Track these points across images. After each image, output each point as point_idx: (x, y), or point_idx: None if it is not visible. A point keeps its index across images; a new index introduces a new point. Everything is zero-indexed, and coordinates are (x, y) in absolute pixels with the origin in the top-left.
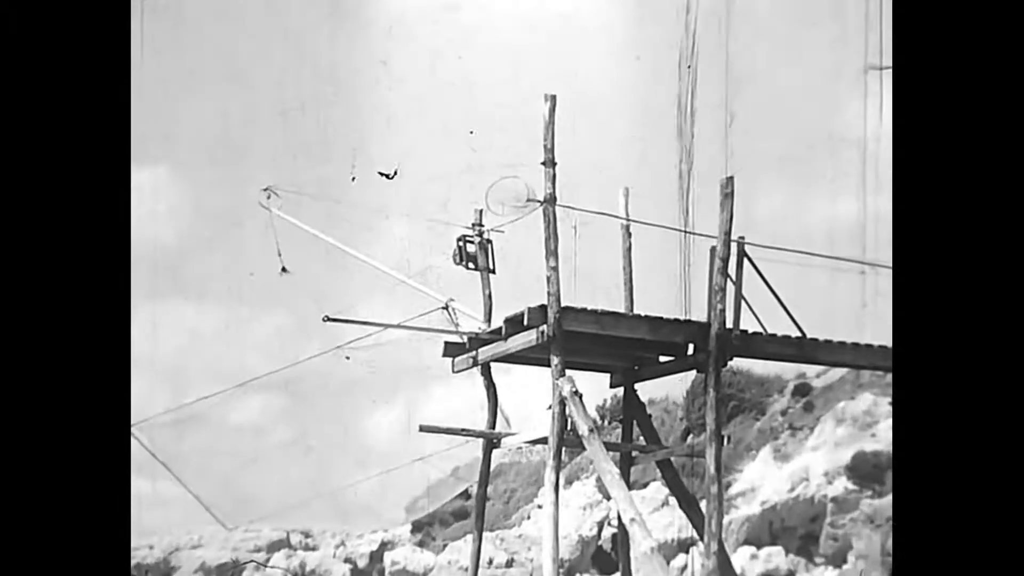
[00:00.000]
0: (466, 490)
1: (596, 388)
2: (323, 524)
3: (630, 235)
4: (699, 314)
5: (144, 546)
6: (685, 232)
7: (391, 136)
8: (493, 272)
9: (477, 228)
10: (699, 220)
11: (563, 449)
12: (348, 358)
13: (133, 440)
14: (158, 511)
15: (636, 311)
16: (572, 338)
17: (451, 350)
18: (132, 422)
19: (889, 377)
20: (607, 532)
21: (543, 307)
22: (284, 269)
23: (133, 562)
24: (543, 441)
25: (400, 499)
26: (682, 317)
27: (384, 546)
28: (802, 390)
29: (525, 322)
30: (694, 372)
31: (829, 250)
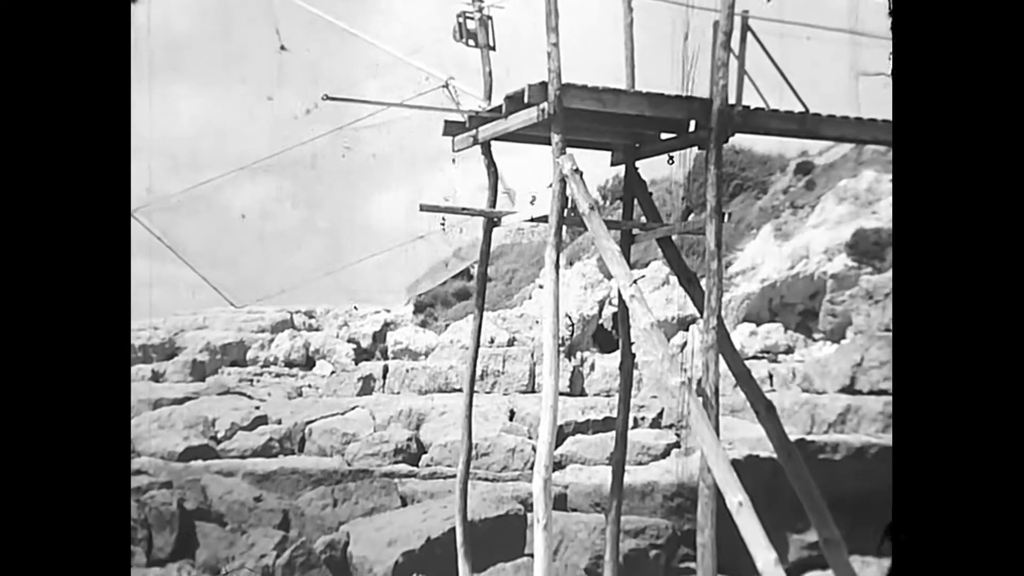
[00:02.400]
0: (467, 270)
1: (597, 169)
2: (327, 304)
3: (631, 10)
4: (701, 92)
5: (149, 327)
6: (687, 6)
7: None
8: (493, 49)
9: (477, 4)
10: None
11: (564, 228)
12: (348, 149)
13: (137, 224)
14: (163, 293)
15: (637, 88)
16: (573, 116)
17: (451, 129)
18: (136, 206)
19: (891, 154)
20: (608, 311)
21: (543, 84)
22: (283, 47)
23: (138, 343)
24: (543, 220)
25: (402, 280)
26: (683, 94)
27: (387, 326)
28: (804, 168)
29: (526, 100)
30: (696, 151)
31: (836, 24)
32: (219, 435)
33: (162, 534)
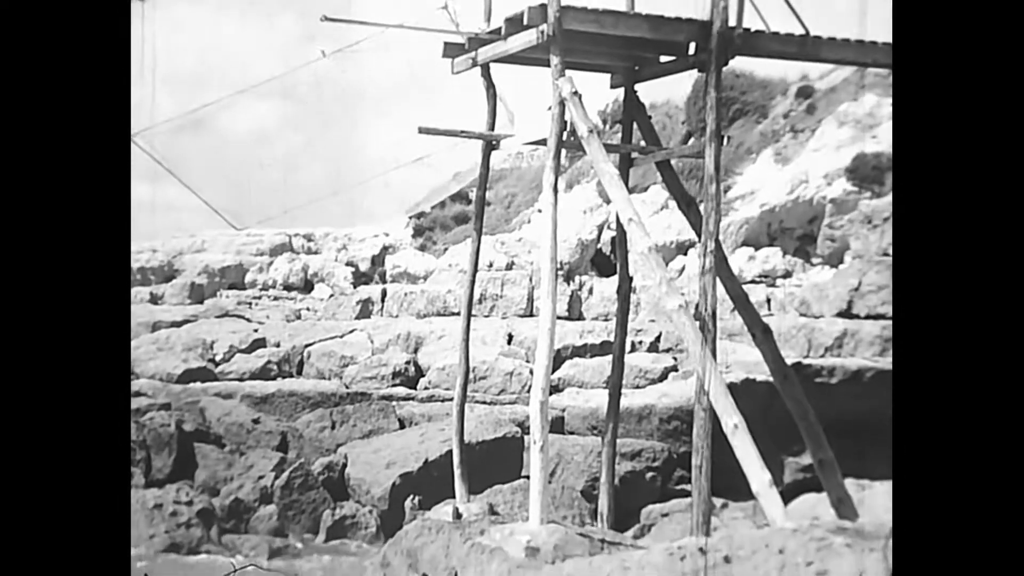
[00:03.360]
0: (466, 194)
1: (597, 94)
2: (326, 228)
3: None
4: (701, 14)
5: (147, 250)
6: None
7: None
8: None
9: None
10: None
11: (563, 152)
12: (323, 54)
13: (136, 147)
14: (161, 217)
15: (637, 10)
16: (572, 38)
17: (450, 51)
18: (135, 130)
19: (892, 78)
20: (606, 235)
21: (543, 6)
22: None
23: (136, 265)
24: (542, 143)
25: (401, 203)
26: (684, 15)
27: (385, 250)
28: (805, 92)
29: (525, 22)
30: (695, 76)
31: None
32: (217, 357)
33: (160, 455)
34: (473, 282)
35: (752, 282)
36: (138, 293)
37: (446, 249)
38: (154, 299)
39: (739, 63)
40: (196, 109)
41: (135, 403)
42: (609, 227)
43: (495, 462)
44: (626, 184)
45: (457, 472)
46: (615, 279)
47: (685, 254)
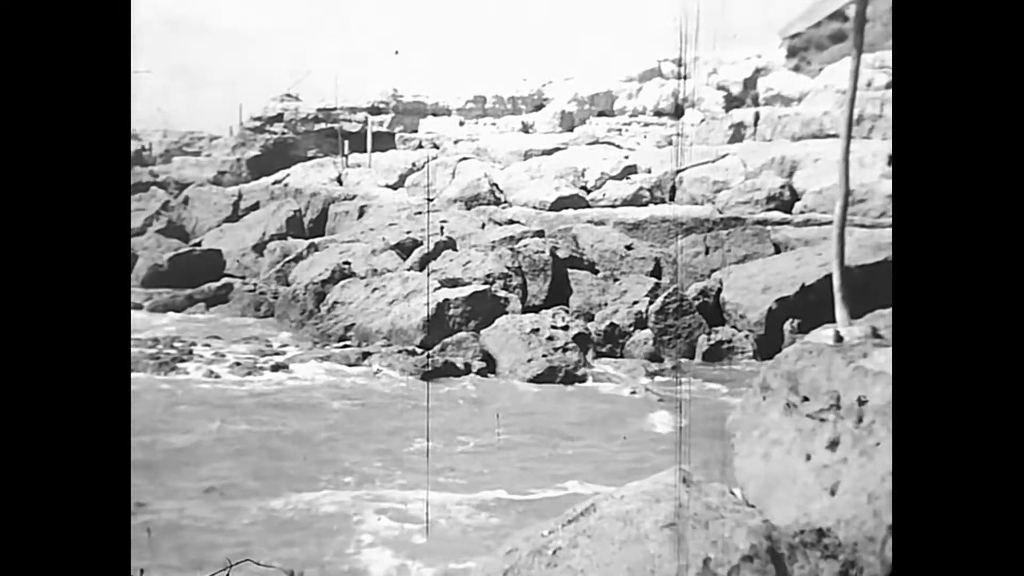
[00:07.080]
0: (843, 12)
1: None
2: (696, 51)
3: None
4: None
5: (517, 79)
6: None
7: None
8: None
9: None
10: None
11: None
12: None
13: None
14: (524, 48)
15: None
16: None
17: None
18: None
19: None
20: None
21: None
22: None
23: (507, 96)
24: None
25: (774, 24)
26: None
27: (758, 72)
28: None
29: None
30: None
31: None
32: (589, 185)
33: (536, 281)
34: (852, 102)
35: None
36: (508, 122)
37: (821, 69)
38: (525, 128)
39: None
40: None
41: (510, 231)
42: None
43: (876, 286)
44: None
45: (837, 296)
46: None
47: None
